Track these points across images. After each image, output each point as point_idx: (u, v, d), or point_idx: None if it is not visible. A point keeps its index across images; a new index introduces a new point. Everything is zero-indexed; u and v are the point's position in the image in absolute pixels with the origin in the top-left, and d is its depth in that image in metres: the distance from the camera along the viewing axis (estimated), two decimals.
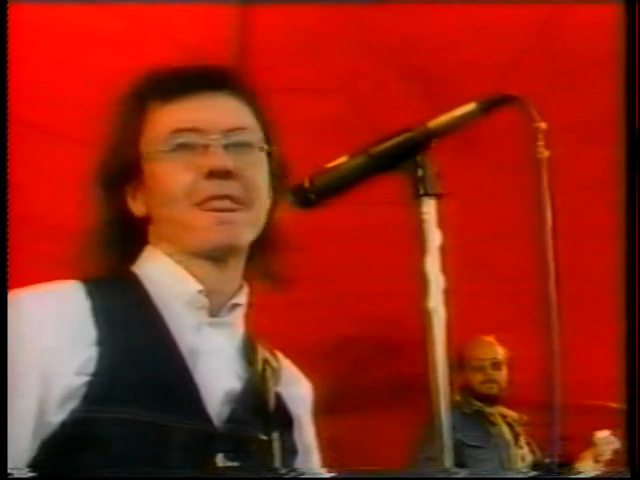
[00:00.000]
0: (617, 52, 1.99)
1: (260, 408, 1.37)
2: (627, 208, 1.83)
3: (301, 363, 1.53)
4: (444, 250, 1.10)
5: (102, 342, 1.27)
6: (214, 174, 1.30)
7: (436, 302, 1.10)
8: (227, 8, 3.66)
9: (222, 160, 1.31)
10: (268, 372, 1.41)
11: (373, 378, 5.05)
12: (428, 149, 1.12)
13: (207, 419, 1.31)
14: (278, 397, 1.41)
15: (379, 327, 4.50)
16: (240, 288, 1.39)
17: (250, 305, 1.41)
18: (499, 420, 4.09)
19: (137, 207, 1.37)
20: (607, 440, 3.86)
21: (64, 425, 1.23)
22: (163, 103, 1.35)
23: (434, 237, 1.09)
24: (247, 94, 1.39)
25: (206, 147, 1.32)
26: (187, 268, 1.35)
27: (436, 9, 3.81)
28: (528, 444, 4.01)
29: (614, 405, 3.71)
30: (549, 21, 4.03)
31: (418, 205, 1.10)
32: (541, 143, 0.99)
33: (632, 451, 1.66)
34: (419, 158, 1.11)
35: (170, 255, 1.36)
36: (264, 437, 1.35)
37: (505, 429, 4.06)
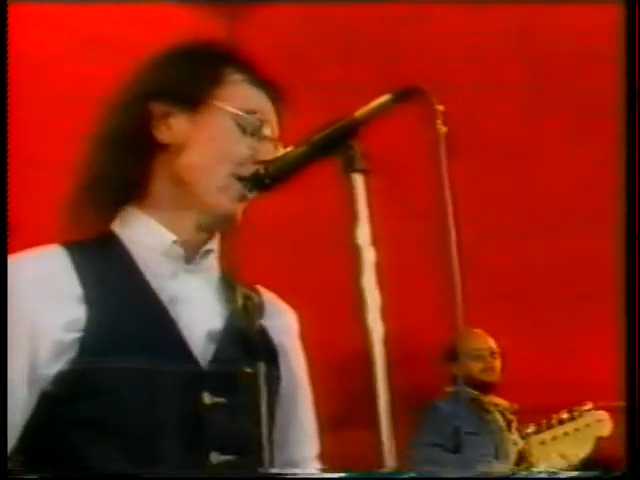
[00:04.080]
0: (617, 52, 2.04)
1: (244, 342, 1.46)
2: (627, 208, 1.88)
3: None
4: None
5: (88, 299, 1.39)
6: (261, 162, 1.44)
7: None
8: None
9: (272, 153, 1.46)
10: (250, 307, 1.50)
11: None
12: (356, 134, 1.33)
13: (194, 361, 1.42)
14: (262, 330, 1.51)
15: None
16: (212, 234, 1.51)
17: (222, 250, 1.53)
18: (492, 408, 4.28)
19: (166, 133, 1.48)
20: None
21: (60, 376, 1.36)
22: (244, 80, 1.51)
23: (363, 209, 1.29)
24: (282, 112, 1.56)
25: (263, 138, 1.48)
26: (166, 215, 1.47)
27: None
28: (518, 430, 4.17)
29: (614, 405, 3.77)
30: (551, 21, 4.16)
31: (349, 180, 1.30)
32: (439, 121, 1.21)
33: (632, 451, 1.69)
34: (349, 142, 1.33)
35: (158, 200, 1.47)
36: (249, 370, 1.44)
37: (498, 416, 4.25)
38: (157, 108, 1.49)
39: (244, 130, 1.49)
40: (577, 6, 4.05)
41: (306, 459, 1.63)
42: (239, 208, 1.49)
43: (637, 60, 1.92)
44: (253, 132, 1.49)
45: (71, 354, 1.37)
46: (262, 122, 1.50)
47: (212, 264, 1.53)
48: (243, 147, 1.48)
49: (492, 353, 4.41)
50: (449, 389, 4.29)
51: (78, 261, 1.42)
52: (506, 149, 4.46)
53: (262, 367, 1.46)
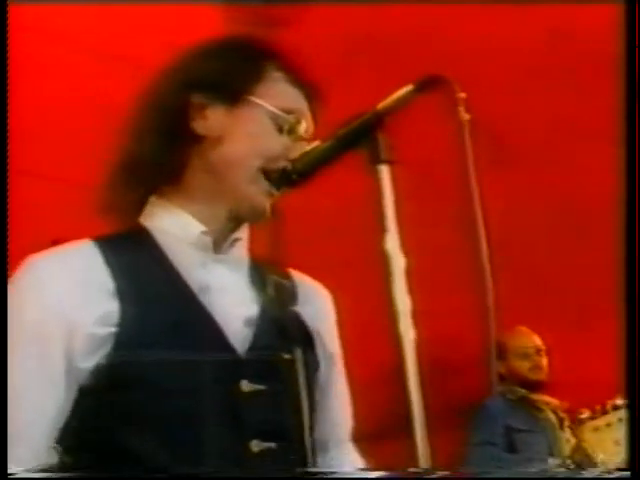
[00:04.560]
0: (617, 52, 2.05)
1: (279, 329, 1.47)
2: (627, 207, 1.88)
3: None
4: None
5: (120, 293, 1.40)
6: (291, 159, 1.44)
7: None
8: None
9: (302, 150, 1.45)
10: (282, 295, 1.51)
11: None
12: (381, 126, 1.33)
13: (230, 349, 1.43)
14: (296, 316, 1.51)
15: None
16: (240, 224, 1.52)
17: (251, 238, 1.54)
18: (544, 406, 4.25)
19: (202, 124, 1.49)
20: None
21: (98, 369, 1.37)
22: (283, 78, 1.52)
23: (389, 200, 1.28)
24: (317, 111, 1.57)
25: (297, 137, 1.50)
26: (198, 207, 1.48)
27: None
28: (570, 428, 4.12)
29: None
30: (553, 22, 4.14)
31: (375, 172, 1.30)
32: (462, 108, 1.21)
33: (632, 451, 1.68)
34: (374, 134, 1.32)
35: (190, 192, 1.48)
36: (287, 356, 1.44)
37: (551, 414, 4.21)
38: (196, 99, 1.50)
39: (280, 128, 1.50)
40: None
41: (341, 441, 1.63)
42: (268, 202, 1.50)
43: (637, 60, 1.92)
44: (289, 131, 1.50)
45: (107, 348, 1.38)
46: (298, 121, 1.51)
47: (241, 252, 1.54)
48: (277, 145, 1.49)
49: (538, 351, 4.37)
50: (497, 388, 4.25)
51: (108, 255, 1.44)
52: (539, 148, 4.42)
53: (299, 353, 1.45)
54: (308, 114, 1.54)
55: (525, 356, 4.34)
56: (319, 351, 1.56)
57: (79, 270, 1.42)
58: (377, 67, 4.01)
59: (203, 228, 1.49)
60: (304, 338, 1.51)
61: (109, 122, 1.51)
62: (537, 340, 4.39)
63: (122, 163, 1.51)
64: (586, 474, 2.99)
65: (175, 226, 1.49)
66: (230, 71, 1.51)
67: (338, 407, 1.63)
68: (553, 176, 4.40)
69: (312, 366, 1.52)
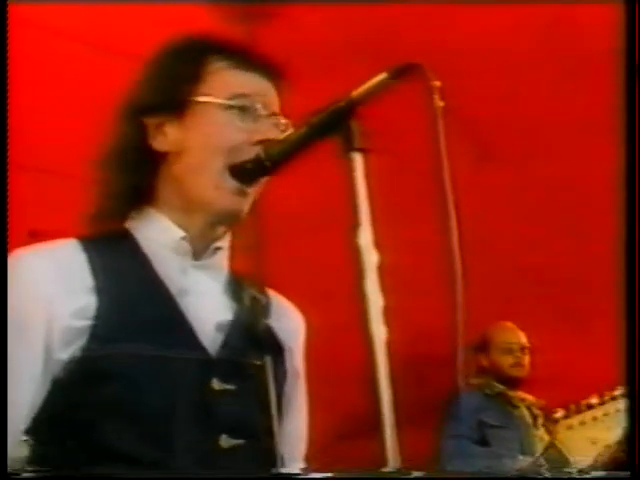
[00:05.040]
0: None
1: (251, 337, 1.51)
2: (627, 208, 1.88)
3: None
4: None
5: (99, 290, 1.43)
6: (261, 143, 1.45)
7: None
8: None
9: (273, 134, 1.47)
10: (256, 307, 1.55)
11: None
12: (355, 114, 1.31)
13: (202, 349, 1.46)
14: (269, 329, 1.56)
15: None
16: (223, 233, 1.54)
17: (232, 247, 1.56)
18: (519, 403, 4.24)
19: (163, 142, 1.50)
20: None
21: (72, 362, 1.40)
22: (227, 66, 1.51)
23: (363, 187, 1.26)
24: (282, 88, 1.56)
25: (257, 118, 1.49)
26: (177, 215, 1.50)
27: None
28: (544, 426, 4.12)
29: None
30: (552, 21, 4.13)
31: (349, 160, 1.28)
32: (436, 96, 1.19)
33: (632, 451, 1.69)
34: (348, 122, 1.30)
35: (168, 202, 1.50)
36: (257, 362, 1.50)
37: (525, 412, 4.20)
38: (149, 121, 1.51)
39: (235, 116, 1.49)
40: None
41: (294, 459, 1.64)
42: (240, 203, 1.50)
43: (637, 61, 1.91)
44: (245, 115, 1.49)
45: (82, 340, 1.40)
46: (253, 102, 1.50)
47: (221, 262, 1.56)
48: (237, 134, 1.48)
49: (522, 348, 4.35)
50: (475, 381, 4.24)
51: (92, 254, 1.47)
52: (524, 145, 4.41)
53: (269, 361, 1.50)
54: (270, 92, 1.53)
55: (508, 351, 4.32)
56: (287, 365, 1.59)
57: (62, 266, 1.45)
58: (362, 65, 3.99)
59: (183, 234, 1.51)
60: (274, 350, 1.54)
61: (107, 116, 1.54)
62: (522, 337, 4.37)
63: (100, 189, 1.53)
64: (587, 475, 3.00)
65: (156, 231, 1.52)
66: (168, 83, 1.51)
67: (297, 424, 1.65)
68: (545, 171, 4.39)
69: (280, 376, 1.55)
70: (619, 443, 3.28)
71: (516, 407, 4.21)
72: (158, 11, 3.70)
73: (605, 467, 3.11)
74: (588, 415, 3.43)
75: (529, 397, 4.27)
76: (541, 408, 4.17)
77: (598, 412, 3.45)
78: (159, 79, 1.53)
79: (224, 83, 1.51)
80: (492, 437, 3.95)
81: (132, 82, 1.55)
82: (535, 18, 4.21)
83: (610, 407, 3.52)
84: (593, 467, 3.10)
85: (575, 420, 3.42)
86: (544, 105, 4.29)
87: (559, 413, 3.48)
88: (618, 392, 3.50)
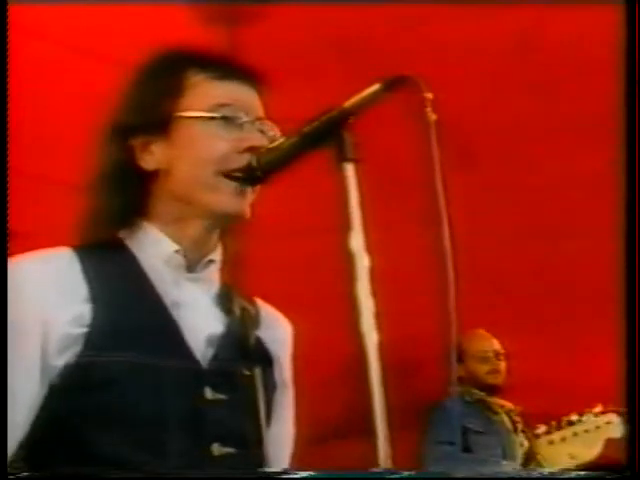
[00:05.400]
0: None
1: (241, 348, 1.54)
2: (627, 208, 1.88)
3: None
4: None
5: (93, 298, 1.45)
6: (249, 150, 1.47)
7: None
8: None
9: (260, 140, 1.48)
10: (246, 318, 1.58)
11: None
12: (347, 124, 1.33)
13: (194, 359, 1.48)
14: (258, 339, 1.58)
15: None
16: (215, 246, 1.56)
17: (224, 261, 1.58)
18: (499, 409, 4.28)
19: (150, 161, 1.51)
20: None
21: (67, 368, 1.42)
22: (207, 78, 1.52)
23: (355, 197, 1.28)
24: (264, 93, 1.57)
25: (241, 126, 1.50)
26: (171, 228, 1.52)
27: None
28: (523, 432, 4.16)
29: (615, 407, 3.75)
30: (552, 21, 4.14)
31: (341, 170, 1.30)
32: (429, 109, 1.21)
33: (632, 451, 1.70)
34: (340, 132, 1.32)
35: (162, 216, 1.51)
36: (247, 372, 1.52)
37: (505, 417, 4.24)
38: (135, 142, 1.52)
39: (219, 126, 1.50)
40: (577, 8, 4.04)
41: (280, 463, 1.65)
42: (242, 201, 1.50)
43: (637, 60, 1.92)
44: (229, 125, 1.50)
45: (77, 347, 1.42)
46: (236, 111, 1.51)
47: (213, 275, 1.58)
48: (222, 143, 1.49)
49: (497, 355, 4.38)
50: (455, 389, 4.28)
51: (86, 263, 1.48)
52: (507, 152, 4.45)
53: (258, 371, 1.53)
54: (252, 98, 1.54)
55: (484, 360, 4.36)
56: (276, 375, 1.61)
57: (57, 274, 1.47)
58: (345, 67, 4.01)
59: (176, 247, 1.52)
60: (263, 360, 1.57)
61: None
62: (496, 344, 4.41)
63: (92, 206, 1.54)
64: (587, 474, 3.05)
65: (150, 244, 1.53)
66: (150, 101, 1.52)
67: (285, 434, 1.68)
68: (526, 177, 4.42)
69: (269, 386, 1.57)
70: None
71: (496, 413, 4.25)
72: (139, 12, 3.68)
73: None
74: (569, 431, 3.49)
75: (508, 404, 4.31)
76: (519, 414, 4.23)
77: (578, 428, 3.52)
78: (140, 98, 1.53)
79: (204, 95, 1.51)
80: (475, 443, 3.99)
81: (114, 102, 1.55)
82: (520, 22, 4.24)
83: (590, 424, 3.59)
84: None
85: (556, 436, 3.49)
86: (513, 108, 4.32)
87: (541, 429, 3.55)
88: (597, 409, 3.56)
